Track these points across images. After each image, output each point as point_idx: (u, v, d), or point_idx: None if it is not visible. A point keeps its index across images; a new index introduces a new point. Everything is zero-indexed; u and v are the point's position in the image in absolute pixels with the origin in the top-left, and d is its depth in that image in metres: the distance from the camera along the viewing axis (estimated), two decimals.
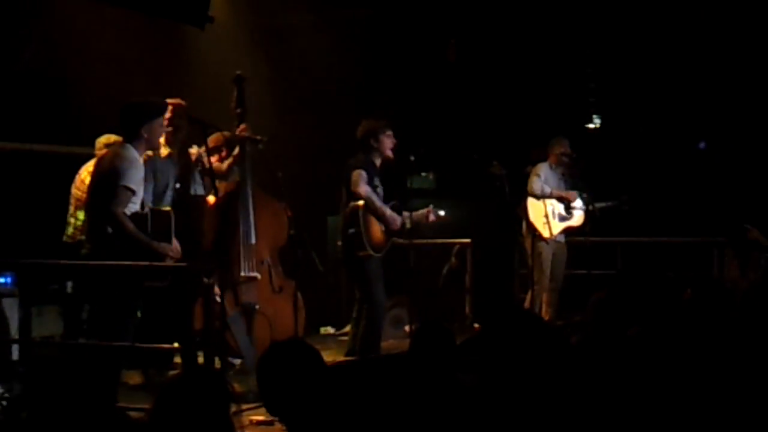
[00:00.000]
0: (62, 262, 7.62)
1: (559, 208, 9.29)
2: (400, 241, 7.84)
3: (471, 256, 10.06)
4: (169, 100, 6.89)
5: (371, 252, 7.42)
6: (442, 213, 8.11)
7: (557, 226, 9.16)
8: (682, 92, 11.04)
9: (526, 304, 9.02)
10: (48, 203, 8.24)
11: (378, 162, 7.64)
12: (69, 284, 8.16)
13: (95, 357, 5.99)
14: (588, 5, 10.86)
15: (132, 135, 6.18)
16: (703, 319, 4.72)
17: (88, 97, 8.91)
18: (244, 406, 6.08)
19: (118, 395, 6.03)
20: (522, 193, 9.14)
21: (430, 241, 9.47)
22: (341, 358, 7.44)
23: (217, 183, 7.00)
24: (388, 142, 7.61)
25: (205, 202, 7.12)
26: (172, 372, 7.16)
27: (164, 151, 6.95)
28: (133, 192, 6.07)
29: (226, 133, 7.37)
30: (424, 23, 11.12)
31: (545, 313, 8.91)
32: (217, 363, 6.01)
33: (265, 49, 10.24)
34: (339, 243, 7.66)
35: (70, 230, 7.78)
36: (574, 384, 3.53)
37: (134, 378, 7.19)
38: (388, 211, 7.54)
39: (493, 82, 11.43)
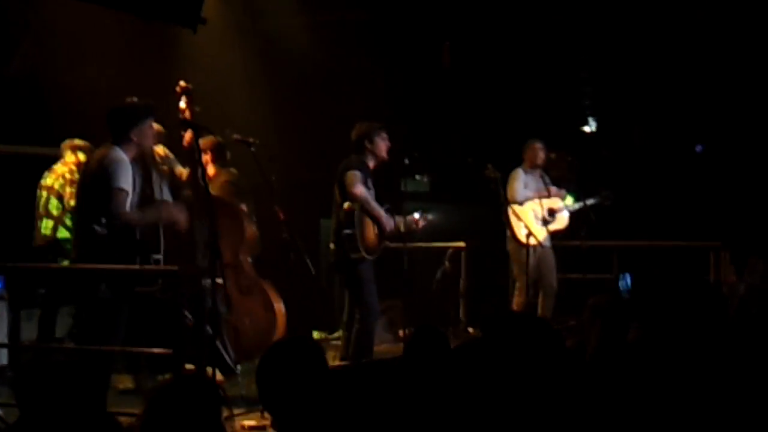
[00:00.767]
0: (52, 265, 7.58)
1: (542, 212, 9.21)
2: (394, 244, 7.79)
3: (465, 260, 10.02)
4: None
5: (364, 254, 7.36)
6: (430, 217, 8.05)
7: (541, 232, 9.03)
8: (679, 95, 11.03)
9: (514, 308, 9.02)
10: (32, 206, 8.18)
11: (372, 164, 7.60)
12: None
13: (84, 361, 5.92)
14: (583, 9, 10.84)
15: (121, 138, 6.11)
16: (700, 324, 4.69)
17: (78, 99, 8.86)
18: (236, 411, 6.03)
19: (108, 400, 5.97)
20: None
21: (423, 244, 9.43)
22: (334, 363, 7.39)
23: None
24: (382, 144, 7.57)
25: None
26: (162, 376, 7.12)
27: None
28: (127, 193, 6.02)
29: (218, 137, 7.31)
30: (418, 27, 11.09)
31: None
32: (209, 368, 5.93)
33: (258, 51, 10.20)
34: (331, 245, 7.59)
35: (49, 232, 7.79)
36: (572, 388, 3.49)
37: (124, 382, 7.12)
38: (383, 213, 7.49)
39: (488, 86, 11.41)
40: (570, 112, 11.62)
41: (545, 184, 9.34)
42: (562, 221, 9.29)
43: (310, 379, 3.38)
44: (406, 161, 7.71)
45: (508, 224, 9.14)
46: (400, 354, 4.56)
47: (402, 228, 7.67)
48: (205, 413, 3.02)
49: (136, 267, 6.00)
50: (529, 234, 8.64)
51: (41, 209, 7.90)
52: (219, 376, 6.49)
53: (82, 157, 7.84)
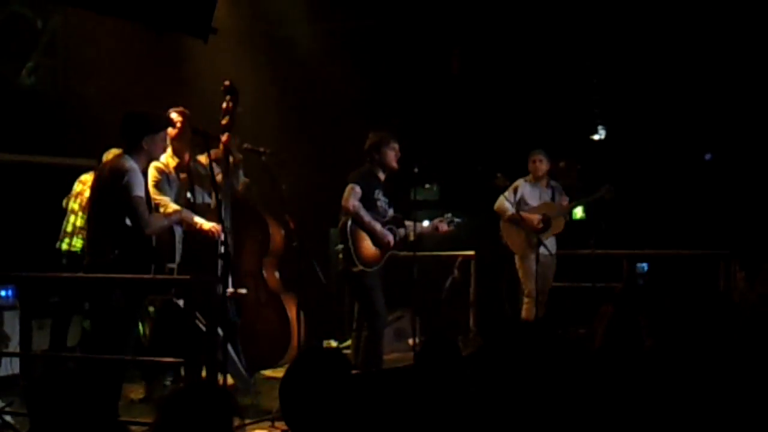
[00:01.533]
0: (63, 275, 7.60)
1: (538, 221, 9.20)
2: (404, 253, 7.79)
3: (474, 269, 10.01)
4: (174, 109, 6.88)
5: (363, 268, 7.36)
6: (458, 220, 8.03)
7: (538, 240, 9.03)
8: (688, 103, 11.00)
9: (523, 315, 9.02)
10: (48, 215, 8.21)
11: (382, 175, 7.61)
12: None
13: (96, 370, 5.93)
14: (593, 16, 10.83)
15: (132, 145, 6.14)
16: (711, 333, 4.67)
17: (89, 108, 8.91)
18: (247, 421, 6.04)
19: (120, 409, 5.98)
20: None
21: (433, 253, 9.42)
22: None
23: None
24: (391, 155, 7.58)
25: (211, 211, 7.07)
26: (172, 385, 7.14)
27: (172, 162, 6.93)
28: (144, 200, 6.07)
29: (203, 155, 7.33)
30: (427, 34, 11.09)
31: None
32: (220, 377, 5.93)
33: (268, 60, 10.23)
34: (339, 256, 7.61)
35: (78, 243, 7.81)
36: (584, 396, 3.49)
37: (136, 391, 7.14)
38: (378, 227, 7.47)
39: (497, 94, 11.40)
40: (579, 120, 11.60)
41: (554, 195, 9.33)
42: (558, 225, 9.28)
43: (337, 393, 3.30)
44: (416, 169, 7.69)
45: (502, 236, 9.21)
46: (411, 363, 4.56)
47: (412, 237, 7.67)
48: (216, 422, 3.01)
49: (149, 276, 6.02)
50: (539, 242, 8.67)
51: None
52: (230, 381, 6.50)
53: None
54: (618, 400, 3.79)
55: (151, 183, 6.68)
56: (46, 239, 8.03)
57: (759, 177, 10.62)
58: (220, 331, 6.05)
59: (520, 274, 9.22)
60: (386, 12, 10.89)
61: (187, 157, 7.04)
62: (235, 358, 6.76)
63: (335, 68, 10.61)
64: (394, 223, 7.64)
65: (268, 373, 7.58)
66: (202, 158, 7.10)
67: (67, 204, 7.99)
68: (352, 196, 7.35)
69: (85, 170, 7.94)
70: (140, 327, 6.88)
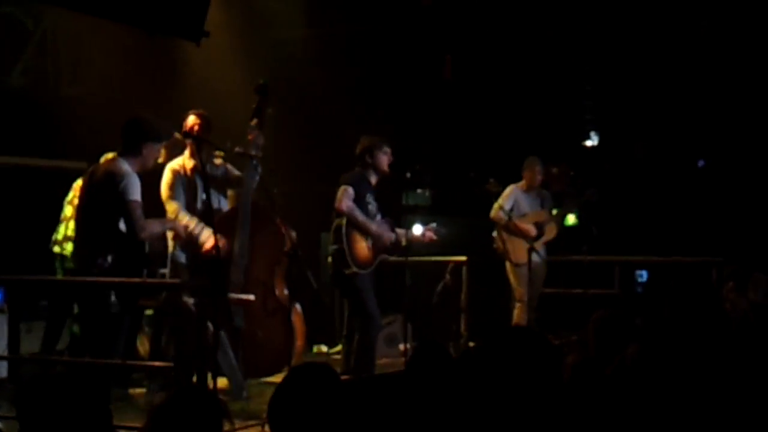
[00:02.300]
0: (52, 278, 7.56)
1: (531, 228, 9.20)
2: (395, 258, 7.77)
3: (466, 274, 10.00)
4: (193, 111, 6.82)
5: (356, 269, 7.34)
6: (443, 230, 8.03)
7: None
8: (681, 110, 11.02)
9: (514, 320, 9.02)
10: (37, 218, 8.17)
11: (373, 179, 7.60)
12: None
13: (87, 374, 5.90)
14: (585, 22, 10.85)
15: (131, 149, 6.13)
16: (702, 340, 4.67)
17: (79, 110, 8.87)
18: (237, 425, 6.00)
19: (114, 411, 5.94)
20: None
21: (424, 258, 9.41)
22: None
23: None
24: (384, 159, 7.58)
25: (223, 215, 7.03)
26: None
27: (189, 163, 6.87)
28: (140, 204, 6.04)
29: (220, 152, 7.29)
30: (420, 40, 11.09)
31: None
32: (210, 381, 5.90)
33: (259, 64, 10.20)
34: (329, 260, 7.58)
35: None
36: (571, 404, 3.47)
37: (125, 396, 7.10)
38: (374, 226, 7.47)
39: (490, 99, 11.40)
40: (572, 126, 11.61)
41: (543, 203, 9.35)
42: (551, 232, 9.29)
43: (327, 410, 3.23)
44: (408, 175, 7.68)
45: (496, 244, 9.20)
46: (402, 368, 4.54)
47: (404, 242, 7.66)
48: (206, 426, 3.00)
49: (139, 280, 6.00)
50: (531, 249, 8.66)
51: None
52: (220, 385, 6.47)
53: None
54: (606, 405, 3.78)
55: (164, 185, 6.65)
56: (34, 241, 7.98)
57: (753, 185, 10.64)
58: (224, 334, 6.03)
59: (512, 279, 9.23)
60: (379, 17, 10.89)
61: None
62: (234, 362, 6.72)
63: (328, 73, 10.60)
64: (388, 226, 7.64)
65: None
66: (217, 161, 7.05)
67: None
68: (346, 198, 7.33)
69: (75, 173, 7.91)
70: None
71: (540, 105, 11.32)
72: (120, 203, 5.93)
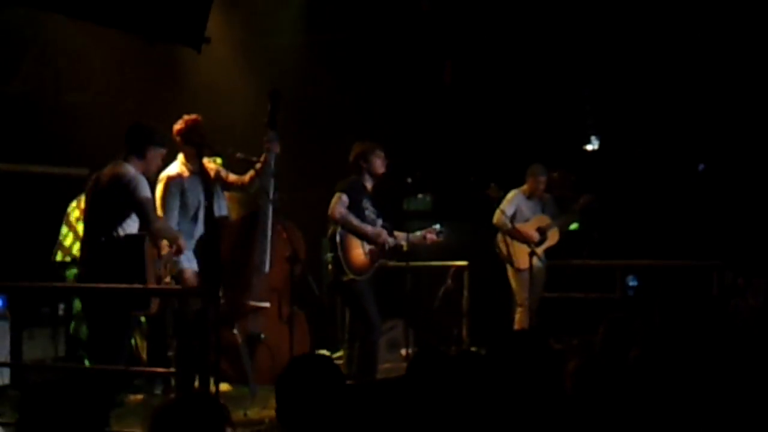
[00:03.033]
0: (54, 284, 7.57)
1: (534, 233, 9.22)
2: (396, 263, 7.77)
3: (468, 279, 10.00)
4: (186, 117, 6.84)
5: (353, 276, 7.33)
6: (444, 231, 8.02)
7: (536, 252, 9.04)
8: (681, 113, 11.02)
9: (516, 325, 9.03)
10: (40, 225, 8.18)
11: (369, 184, 7.59)
12: (61, 306, 8.12)
13: (88, 380, 5.91)
14: (586, 26, 10.85)
15: (135, 153, 6.18)
16: (703, 344, 4.67)
17: (80, 117, 8.88)
18: (239, 430, 6.00)
19: (111, 419, 5.95)
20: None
21: (426, 263, 9.41)
22: None
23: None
24: (378, 162, 7.56)
25: (227, 223, 7.03)
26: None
27: (185, 168, 6.87)
28: (151, 201, 6.10)
29: (218, 160, 7.30)
30: (420, 45, 11.10)
31: None
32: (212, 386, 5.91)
33: (259, 70, 10.21)
34: (329, 266, 7.58)
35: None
36: (573, 406, 3.48)
37: (127, 401, 7.11)
38: (369, 228, 7.45)
39: (490, 104, 11.41)
40: (573, 131, 11.62)
41: (544, 208, 9.37)
42: (552, 237, 9.30)
43: (330, 396, 3.32)
44: (409, 180, 7.67)
45: (498, 248, 9.21)
46: (403, 374, 4.54)
47: (405, 246, 7.65)
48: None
49: (141, 287, 6.00)
50: (532, 254, 8.67)
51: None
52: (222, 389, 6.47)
53: None
54: (608, 407, 3.79)
55: (158, 196, 6.66)
56: (36, 248, 7.99)
57: (753, 188, 10.64)
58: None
59: (513, 284, 9.24)
60: (379, 23, 10.89)
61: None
62: (248, 368, 6.74)
63: (327, 79, 10.61)
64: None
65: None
66: (210, 165, 7.04)
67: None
68: (339, 204, 7.33)
69: (75, 179, 7.92)
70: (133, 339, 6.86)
71: (540, 109, 11.32)
72: (130, 202, 5.99)
